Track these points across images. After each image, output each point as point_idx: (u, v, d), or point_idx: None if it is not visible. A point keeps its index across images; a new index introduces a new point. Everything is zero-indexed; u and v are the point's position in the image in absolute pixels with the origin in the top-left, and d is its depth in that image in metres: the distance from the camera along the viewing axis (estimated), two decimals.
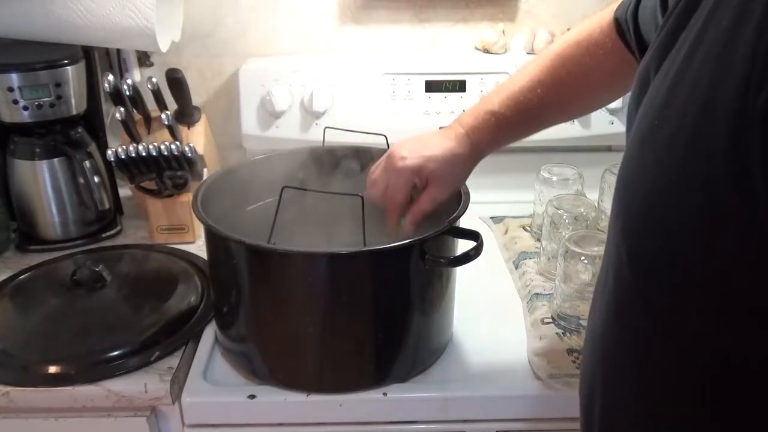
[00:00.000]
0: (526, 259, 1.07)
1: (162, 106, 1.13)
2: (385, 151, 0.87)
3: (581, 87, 0.80)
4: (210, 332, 0.92)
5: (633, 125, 0.53)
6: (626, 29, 0.71)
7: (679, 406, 0.50)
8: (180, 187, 1.11)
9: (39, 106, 1.05)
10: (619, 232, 0.52)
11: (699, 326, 0.47)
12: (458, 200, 0.84)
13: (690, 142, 0.44)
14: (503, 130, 0.82)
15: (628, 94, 0.58)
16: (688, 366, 0.48)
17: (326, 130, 0.96)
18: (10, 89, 1.03)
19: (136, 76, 1.26)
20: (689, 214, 0.45)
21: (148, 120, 1.15)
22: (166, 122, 1.08)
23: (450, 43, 1.30)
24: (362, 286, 0.79)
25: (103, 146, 1.16)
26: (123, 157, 1.05)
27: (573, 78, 0.79)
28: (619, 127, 1.25)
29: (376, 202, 0.84)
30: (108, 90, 1.07)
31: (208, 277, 0.97)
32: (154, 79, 1.10)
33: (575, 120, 1.24)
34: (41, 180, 1.11)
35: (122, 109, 1.06)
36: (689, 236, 0.45)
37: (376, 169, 0.84)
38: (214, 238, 0.83)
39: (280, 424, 0.84)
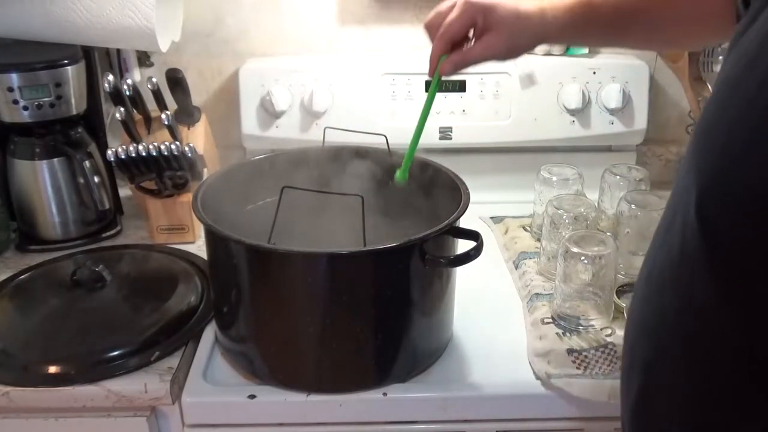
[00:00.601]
0: (526, 259, 1.07)
1: (162, 106, 1.13)
2: (385, 151, 0.87)
3: (677, 7, 0.77)
4: (210, 332, 0.92)
5: (725, 67, 0.52)
6: None
7: (725, 355, 0.50)
8: (180, 187, 1.11)
9: (39, 106, 1.05)
10: (694, 173, 0.52)
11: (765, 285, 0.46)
12: (458, 200, 0.84)
13: None
14: (585, 23, 0.78)
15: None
16: (745, 315, 0.48)
17: (326, 130, 0.96)
18: (10, 89, 1.04)
19: (136, 76, 1.26)
20: None
21: (148, 120, 1.15)
22: (166, 122, 1.08)
23: None
24: (362, 286, 0.79)
25: (103, 146, 1.16)
26: (123, 157, 1.05)
27: None
28: (619, 127, 1.25)
29: (428, 32, 0.80)
30: (108, 90, 1.07)
31: (208, 277, 0.97)
32: (154, 79, 1.11)
33: (575, 120, 1.24)
34: (41, 180, 1.11)
35: (122, 109, 1.06)
36: None
37: (446, 2, 0.80)
38: (214, 238, 0.83)
39: (280, 424, 0.84)
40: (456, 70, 0.80)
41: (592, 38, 0.83)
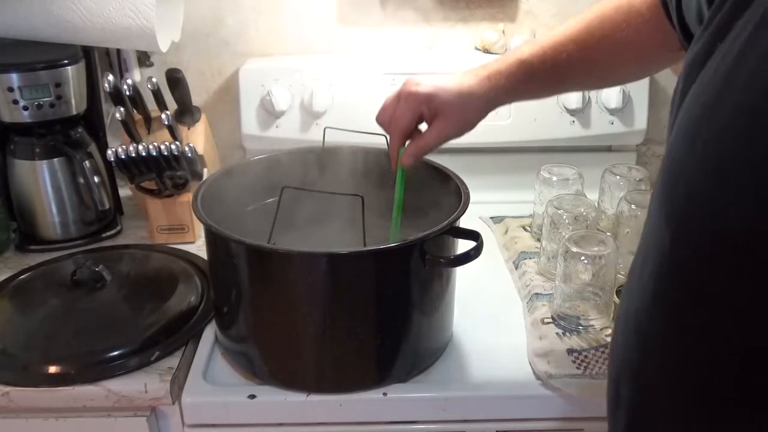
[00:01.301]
0: (526, 259, 1.07)
1: (162, 106, 1.13)
2: (385, 151, 0.87)
3: (613, 52, 0.78)
4: (210, 332, 0.92)
5: (680, 109, 0.53)
6: (669, 1, 0.69)
7: (708, 391, 0.50)
8: (180, 187, 1.11)
9: (39, 106, 1.05)
10: (664, 217, 0.52)
11: (749, 314, 0.46)
12: (458, 200, 0.84)
13: (746, 128, 0.44)
14: (527, 81, 0.80)
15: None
16: (726, 351, 0.48)
17: (326, 130, 0.96)
18: (10, 89, 1.04)
19: (136, 76, 1.26)
20: (741, 195, 0.44)
21: (148, 120, 1.15)
22: (166, 122, 1.08)
23: (450, 43, 1.30)
24: (362, 286, 0.79)
25: (103, 146, 1.16)
26: (123, 157, 1.05)
27: (607, 41, 0.77)
28: (619, 127, 1.25)
29: (383, 126, 0.83)
30: (108, 90, 1.07)
31: (208, 277, 0.98)
32: (154, 79, 1.10)
33: (575, 120, 1.24)
34: (41, 180, 1.11)
35: (122, 109, 1.06)
36: (740, 219, 0.45)
37: (390, 96, 0.83)
38: (214, 238, 0.83)
39: (280, 424, 0.84)
40: (417, 160, 0.83)
41: (537, 93, 0.84)
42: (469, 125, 0.83)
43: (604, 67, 0.81)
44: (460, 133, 0.82)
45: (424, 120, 0.82)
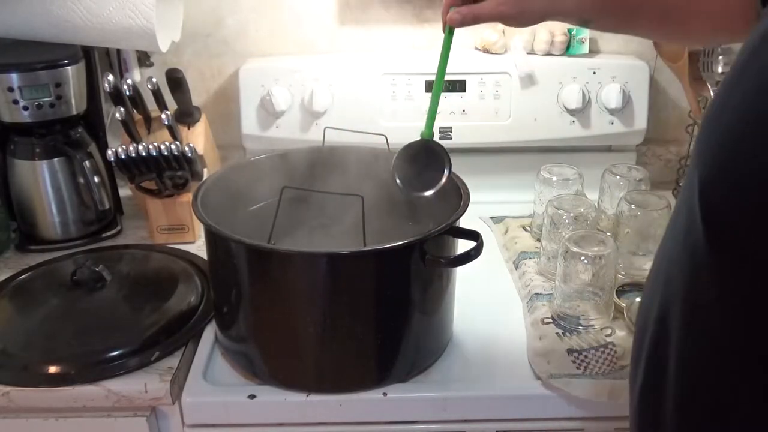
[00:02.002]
0: (526, 259, 1.07)
1: (162, 106, 1.13)
2: (385, 150, 0.87)
3: (687, 7, 0.76)
4: (210, 332, 0.92)
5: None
6: None
7: (725, 353, 0.50)
8: (180, 187, 1.12)
9: (39, 106, 1.05)
10: (696, 155, 0.52)
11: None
12: (458, 200, 0.84)
13: None
14: (598, 3, 0.76)
15: None
16: (741, 311, 0.49)
17: (326, 130, 0.96)
18: (10, 89, 1.04)
19: (136, 76, 1.26)
20: None
21: (148, 120, 1.15)
22: (166, 122, 1.08)
23: None
24: (362, 286, 0.79)
25: (103, 146, 1.16)
26: (123, 157, 1.05)
27: None
28: (619, 127, 1.25)
29: None
30: (108, 90, 1.07)
31: (208, 277, 0.98)
32: (154, 79, 1.10)
33: (575, 120, 1.24)
34: (41, 180, 1.11)
35: (122, 109, 1.06)
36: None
37: None
38: (214, 238, 0.83)
39: (280, 424, 0.84)
40: (464, 21, 0.78)
41: (606, 20, 0.79)
42: (529, 16, 0.77)
43: (682, 11, 0.77)
44: (517, 18, 0.77)
45: None
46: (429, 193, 0.85)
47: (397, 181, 0.85)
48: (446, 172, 0.85)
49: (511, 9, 0.76)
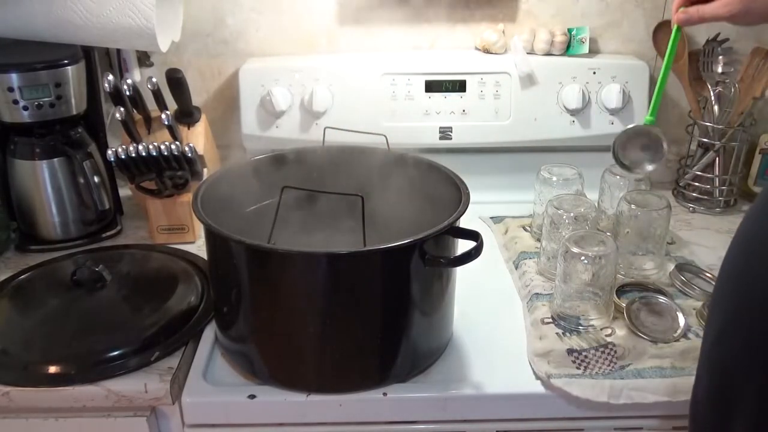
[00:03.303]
0: (526, 259, 1.07)
1: (162, 106, 1.13)
2: (385, 150, 0.87)
3: None
4: (210, 332, 0.92)
5: None
6: None
7: None
8: (180, 187, 1.12)
9: (39, 106, 1.05)
10: None
11: None
12: (458, 200, 0.84)
13: None
14: None
15: None
16: None
17: (326, 130, 0.96)
18: (10, 89, 1.03)
19: (136, 76, 1.26)
20: None
21: (148, 120, 1.15)
22: (166, 122, 1.08)
23: (450, 43, 1.30)
24: (362, 286, 0.79)
25: (103, 146, 1.16)
26: (123, 157, 1.05)
27: None
28: (619, 127, 1.25)
29: None
30: (108, 90, 1.07)
31: (208, 277, 0.98)
32: (154, 79, 1.10)
33: (575, 120, 1.24)
34: (41, 180, 1.11)
35: (122, 109, 1.06)
36: None
37: None
38: (214, 238, 0.83)
39: (280, 424, 0.84)
40: (689, 21, 0.83)
41: None
42: (752, 13, 0.79)
43: None
44: (743, 16, 0.80)
45: None
46: (649, 168, 0.97)
47: (619, 156, 0.97)
48: (664, 150, 0.96)
49: (736, 8, 0.79)
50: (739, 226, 0.67)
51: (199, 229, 1.14)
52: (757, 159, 1.30)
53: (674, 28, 0.87)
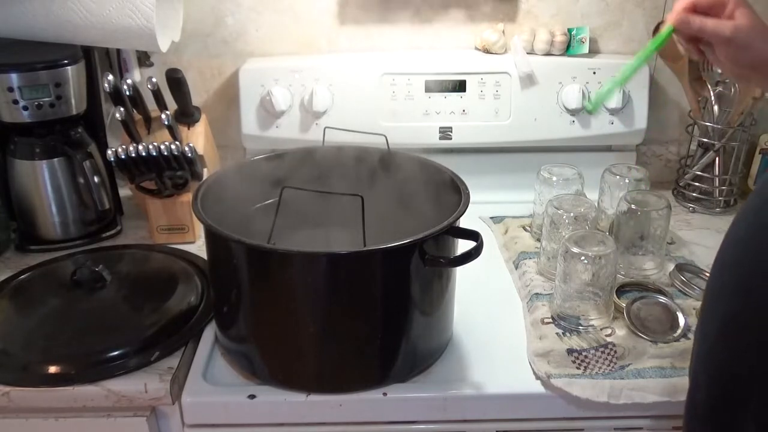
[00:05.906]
0: (526, 259, 1.07)
1: (162, 106, 1.13)
2: (385, 150, 0.87)
3: None
4: (210, 332, 0.92)
5: None
6: None
7: None
8: (180, 187, 1.12)
9: (39, 106, 1.05)
10: None
11: None
12: (458, 200, 0.84)
13: None
14: None
15: None
16: None
17: (326, 130, 0.96)
18: (10, 89, 1.03)
19: (136, 76, 1.26)
20: None
21: (148, 120, 1.15)
22: (166, 122, 1.08)
23: (450, 43, 1.30)
24: (362, 286, 0.79)
25: (103, 146, 1.16)
26: (123, 157, 1.05)
27: None
28: (619, 127, 1.25)
29: None
30: (108, 90, 1.07)
31: (208, 277, 0.98)
32: (154, 79, 1.10)
33: (575, 120, 1.24)
34: (41, 180, 1.11)
35: (122, 109, 1.06)
36: None
37: None
38: (214, 238, 0.83)
39: (280, 424, 0.84)
40: (687, 26, 0.77)
41: None
42: (752, 48, 0.74)
43: None
44: (743, 49, 0.75)
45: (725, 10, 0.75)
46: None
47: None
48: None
49: (740, 34, 0.74)
50: (738, 226, 0.66)
51: (199, 229, 1.14)
52: (757, 159, 1.30)
53: (667, 27, 0.80)
